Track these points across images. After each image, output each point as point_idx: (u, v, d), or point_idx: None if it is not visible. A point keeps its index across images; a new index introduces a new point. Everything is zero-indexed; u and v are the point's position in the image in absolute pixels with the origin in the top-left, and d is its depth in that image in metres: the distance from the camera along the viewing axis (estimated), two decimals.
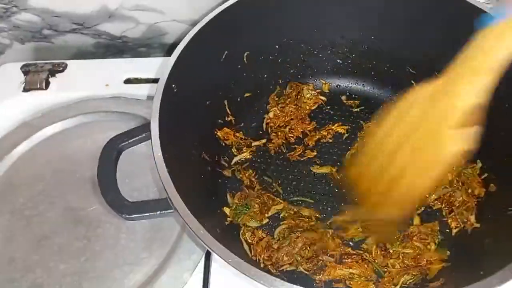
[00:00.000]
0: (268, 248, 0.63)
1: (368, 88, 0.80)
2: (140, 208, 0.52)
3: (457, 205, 0.64)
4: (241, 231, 0.65)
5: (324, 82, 0.81)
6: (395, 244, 0.62)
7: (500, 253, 0.49)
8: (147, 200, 0.53)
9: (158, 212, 0.51)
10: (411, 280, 0.59)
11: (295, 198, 0.69)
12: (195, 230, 0.48)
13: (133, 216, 0.51)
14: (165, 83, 0.58)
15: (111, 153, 0.55)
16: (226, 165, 0.72)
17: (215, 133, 0.72)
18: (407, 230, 0.63)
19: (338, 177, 0.70)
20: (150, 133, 0.53)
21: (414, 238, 0.62)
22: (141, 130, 0.56)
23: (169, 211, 0.51)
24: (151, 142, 0.52)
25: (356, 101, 0.79)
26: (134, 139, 0.56)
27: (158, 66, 0.88)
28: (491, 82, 0.43)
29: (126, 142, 0.56)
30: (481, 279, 0.43)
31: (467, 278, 0.45)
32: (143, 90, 0.85)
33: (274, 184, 0.70)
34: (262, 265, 0.62)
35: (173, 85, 0.59)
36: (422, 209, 0.66)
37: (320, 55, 0.78)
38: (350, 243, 0.63)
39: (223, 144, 0.73)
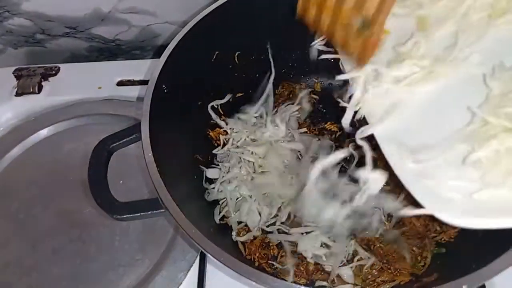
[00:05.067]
0: (262, 246, 0.63)
1: None
2: (131, 208, 0.52)
3: None
4: (236, 231, 0.65)
5: (316, 80, 0.81)
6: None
7: (492, 245, 0.49)
8: (138, 200, 0.53)
9: (150, 212, 0.51)
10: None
11: None
12: (186, 229, 0.47)
13: (124, 216, 0.51)
14: (155, 83, 0.58)
15: (102, 154, 0.55)
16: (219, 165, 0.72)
17: (207, 133, 0.72)
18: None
19: None
20: (140, 134, 0.53)
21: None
22: (132, 131, 0.56)
23: (161, 211, 0.51)
24: (142, 143, 0.52)
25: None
26: (125, 140, 0.56)
27: (149, 68, 0.88)
28: None
29: (117, 143, 0.56)
30: (473, 272, 0.44)
31: (460, 272, 0.45)
32: (135, 92, 0.85)
33: None
34: (256, 264, 0.62)
35: (164, 86, 0.59)
36: None
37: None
38: None
39: (216, 145, 0.73)
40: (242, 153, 0.69)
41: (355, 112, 0.50)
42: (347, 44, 0.47)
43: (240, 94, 0.77)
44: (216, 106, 0.73)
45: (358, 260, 0.60)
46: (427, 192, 0.40)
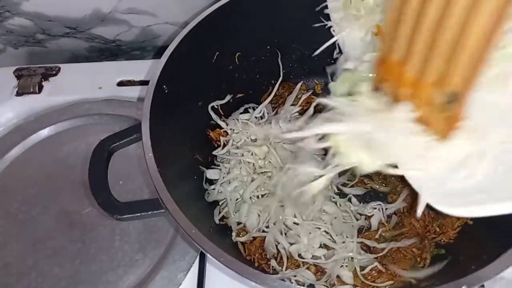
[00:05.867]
0: (261, 247, 0.63)
1: None
2: (131, 209, 0.52)
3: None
4: (235, 231, 0.65)
5: (316, 82, 0.81)
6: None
7: (491, 246, 0.49)
8: (138, 201, 0.53)
9: (150, 212, 0.51)
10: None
11: None
12: (186, 229, 0.48)
13: (124, 216, 0.51)
14: (155, 84, 0.58)
15: (102, 154, 0.55)
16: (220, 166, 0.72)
17: (208, 134, 0.72)
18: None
19: None
20: (141, 134, 0.53)
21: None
22: (132, 131, 0.56)
23: (161, 211, 0.51)
24: (142, 143, 0.53)
25: None
26: (125, 140, 0.56)
27: (150, 68, 0.88)
28: None
29: (117, 144, 0.56)
30: (472, 272, 0.44)
31: (459, 273, 0.45)
32: (136, 92, 0.85)
33: None
34: (256, 264, 0.62)
35: (164, 86, 0.59)
36: None
37: (312, 55, 0.78)
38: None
39: (216, 145, 0.73)
40: (242, 154, 0.69)
41: None
42: (428, 119, 0.41)
43: (240, 95, 0.77)
44: (216, 107, 0.73)
45: (357, 261, 0.60)
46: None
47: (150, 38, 0.97)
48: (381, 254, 0.61)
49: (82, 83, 0.88)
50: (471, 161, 0.41)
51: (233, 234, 0.65)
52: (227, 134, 0.73)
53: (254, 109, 0.76)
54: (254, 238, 0.64)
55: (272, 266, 0.61)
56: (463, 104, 0.37)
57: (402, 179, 0.67)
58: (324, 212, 0.64)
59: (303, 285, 0.58)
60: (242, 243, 0.64)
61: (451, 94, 0.36)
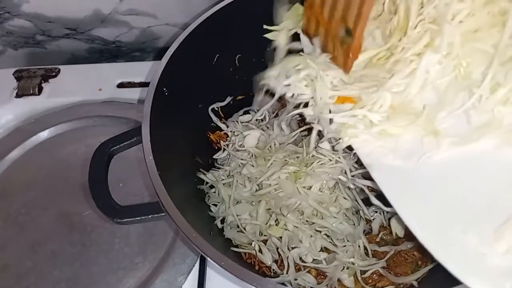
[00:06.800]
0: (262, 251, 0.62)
1: None
2: (131, 212, 0.52)
3: None
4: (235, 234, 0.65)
5: None
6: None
7: None
8: (138, 204, 0.53)
9: (150, 216, 0.51)
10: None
11: None
12: (187, 233, 0.47)
13: (124, 220, 0.51)
14: (155, 86, 0.57)
15: (102, 157, 0.54)
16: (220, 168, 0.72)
17: (208, 136, 0.72)
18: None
19: None
20: (141, 137, 0.53)
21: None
22: (132, 134, 0.56)
23: (161, 214, 0.51)
24: (142, 146, 0.52)
25: None
26: (125, 143, 0.56)
27: (150, 70, 0.88)
28: None
29: (117, 146, 0.56)
30: None
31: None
32: (136, 94, 0.85)
33: None
34: (256, 268, 0.62)
35: (164, 89, 0.59)
36: None
37: None
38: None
39: (216, 148, 0.73)
40: (243, 157, 0.69)
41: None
42: (335, 52, 0.54)
43: (240, 97, 0.76)
44: (216, 109, 0.73)
45: (358, 265, 0.60)
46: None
47: (150, 40, 0.97)
48: (384, 259, 0.60)
49: (82, 84, 0.87)
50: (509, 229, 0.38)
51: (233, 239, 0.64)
52: (227, 136, 0.73)
53: (255, 112, 0.76)
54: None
55: (273, 269, 0.60)
56: (355, 38, 0.49)
57: None
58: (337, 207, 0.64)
59: None
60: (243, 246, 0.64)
61: (347, 29, 0.50)
